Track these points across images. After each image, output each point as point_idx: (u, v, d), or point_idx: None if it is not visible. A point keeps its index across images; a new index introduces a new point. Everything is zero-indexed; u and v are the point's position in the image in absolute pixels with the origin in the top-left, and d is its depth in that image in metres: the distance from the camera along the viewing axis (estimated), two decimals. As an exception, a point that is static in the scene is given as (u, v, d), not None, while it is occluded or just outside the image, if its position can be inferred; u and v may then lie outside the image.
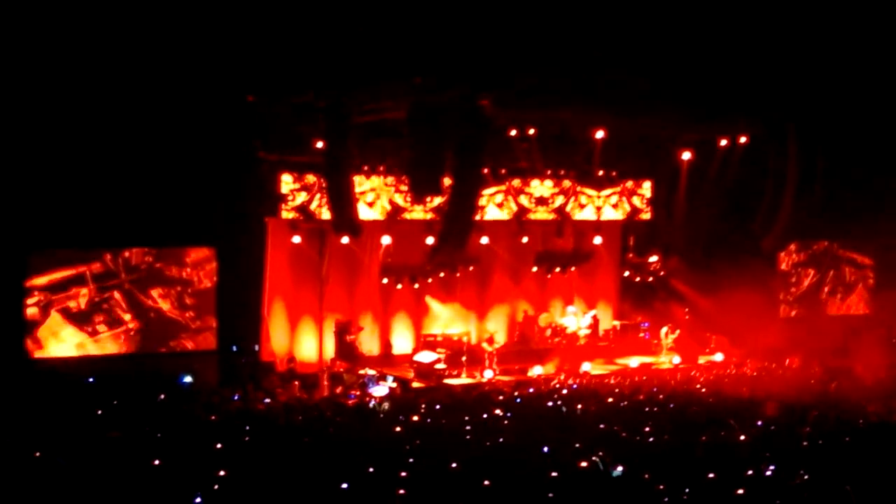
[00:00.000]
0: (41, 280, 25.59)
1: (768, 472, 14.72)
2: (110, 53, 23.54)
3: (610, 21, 24.09)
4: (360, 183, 28.36)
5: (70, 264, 25.92)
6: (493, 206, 30.55)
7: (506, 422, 19.66)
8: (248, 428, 19.00)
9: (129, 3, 22.80)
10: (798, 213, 29.24)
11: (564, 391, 24.34)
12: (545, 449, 16.22)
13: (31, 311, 25.54)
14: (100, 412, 20.92)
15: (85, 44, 23.22)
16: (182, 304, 27.10)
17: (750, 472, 14.64)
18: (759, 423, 18.86)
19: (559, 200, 31.58)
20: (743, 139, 30.07)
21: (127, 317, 26.45)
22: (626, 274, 33.90)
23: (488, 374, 27.81)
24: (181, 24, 23.18)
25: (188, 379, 25.97)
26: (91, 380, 24.89)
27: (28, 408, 21.21)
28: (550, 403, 21.94)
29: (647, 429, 18.25)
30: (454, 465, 15.14)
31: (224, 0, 23.09)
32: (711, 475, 14.46)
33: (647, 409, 21.10)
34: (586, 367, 28.68)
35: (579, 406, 21.17)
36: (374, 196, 28.93)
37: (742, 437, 17.48)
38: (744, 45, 25.30)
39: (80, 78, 23.80)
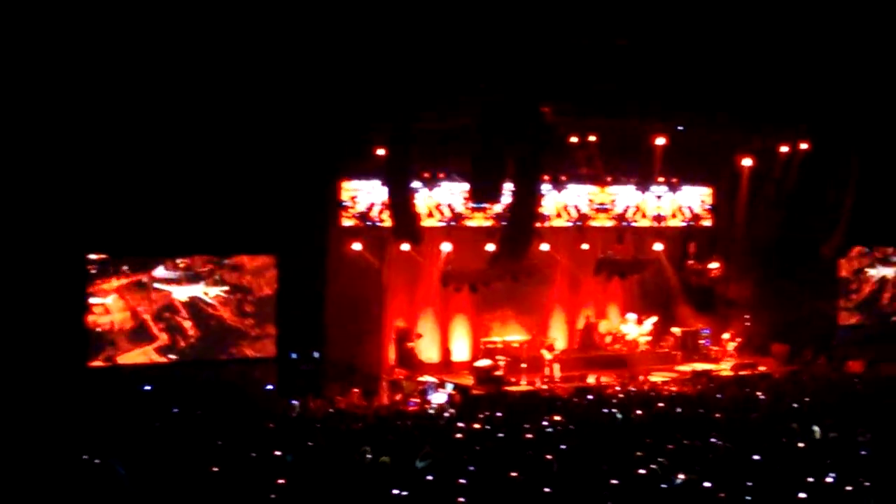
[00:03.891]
0: (102, 288, 25.78)
1: (829, 480, 14.62)
2: (172, 66, 23.74)
3: (669, 29, 24.07)
4: (421, 191, 28.48)
5: (131, 272, 26.08)
6: (554, 213, 30.52)
7: (562, 428, 19.62)
8: (307, 435, 19.10)
9: (193, 17, 22.95)
10: (858, 218, 29.13)
11: (623, 398, 24.30)
12: (605, 456, 16.18)
13: (92, 319, 25.72)
14: (159, 420, 21.11)
15: (152, 61, 23.46)
16: (242, 311, 27.22)
17: (810, 480, 14.56)
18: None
19: (619, 207, 31.53)
20: (804, 146, 29.91)
21: (188, 324, 26.61)
22: (687, 281, 33.73)
23: (548, 380, 27.84)
24: (241, 36, 23.36)
25: (270, 387, 26.21)
26: (150, 387, 25.07)
27: (88, 416, 21.41)
28: (608, 410, 21.87)
29: (708, 435, 18.17)
30: (513, 472, 15.14)
31: (283, 11, 23.20)
32: (772, 482, 14.41)
33: (707, 415, 21.00)
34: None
35: (638, 412, 21.12)
36: (434, 204, 29.00)
37: (801, 445, 17.39)
38: (804, 52, 25.18)
39: (144, 88, 23.99)
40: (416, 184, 27.84)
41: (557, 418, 20.48)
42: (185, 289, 26.56)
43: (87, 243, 25.32)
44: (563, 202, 30.71)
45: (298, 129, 25.72)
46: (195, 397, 23.54)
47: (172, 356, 26.45)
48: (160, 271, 26.38)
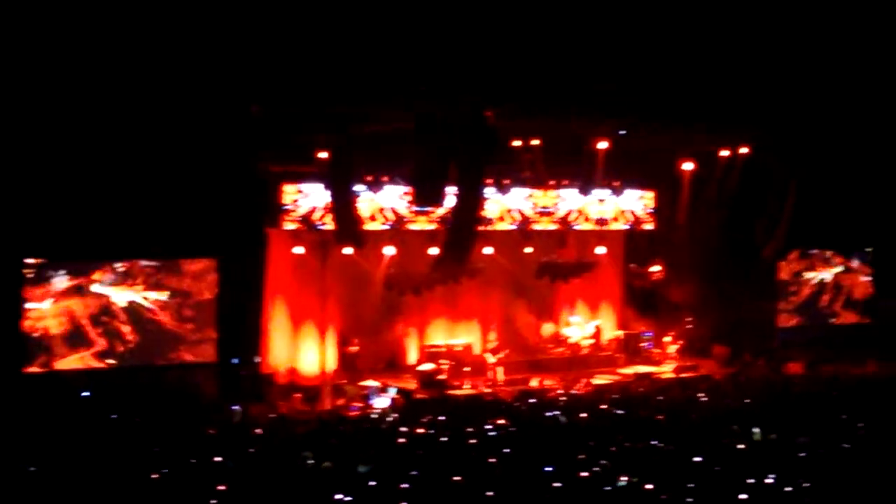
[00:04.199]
0: (38, 292, 25.40)
1: (769, 481, 14.70)
2: (113, 64, 23.47)
3: (614, 33, 24.08)
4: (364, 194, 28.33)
5: (68, 276, 25.74)
6: (497, 217, 30.47)
7: (505, 432, 19.61)
8: (248, 441, 18.97)
9: (133, 10, 22.70)
10: (797, 222, 29.44)
11: (566, 401, 24.32)
12: (548, 459, 16.18)
13: (28, 324, 25.36)
14: (97, 426, 20.88)
15: (88, 56, 23.17)
16: (182, 315, 26.93)
17: (751, 481, 14.63)
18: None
19: (562, 211, 31.51)
20: (744, 150, 30.09)
21: (126, 329, 26.31)
22: (629, 284, 33.87)
23: (491, 384, 27.83)
24: (183, 32, 23.13)
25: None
26: (88, 393, 24.79)
27: (24, 423, 21.12)
28: (552, 413, 21.88)
29: (650, 438, 18.22)
30: (456, 476, 15.10)
31: (227, 10, 23.01)
32: (713, 483, 14.48)
33: (649, 417, 21.06)
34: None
35: (581, 415, 21.15)
36: (377, 207, 28.81)
37: (741, 446, 17.49)
38: (746, 56, 25.29)
39: (83, 87, 23.70)
40: (359, 187, 27.73)
41: (501, 422, 20.48)
42: (123, 293, 26.27)
43: (24, 247, 25.01)
44: (506, 206, 30.66)
45: (239, 131, 25.53)
46: (134, 403, 23.28)
47: (111, 361, 26.12)
48: (98, 275, 26.07)
